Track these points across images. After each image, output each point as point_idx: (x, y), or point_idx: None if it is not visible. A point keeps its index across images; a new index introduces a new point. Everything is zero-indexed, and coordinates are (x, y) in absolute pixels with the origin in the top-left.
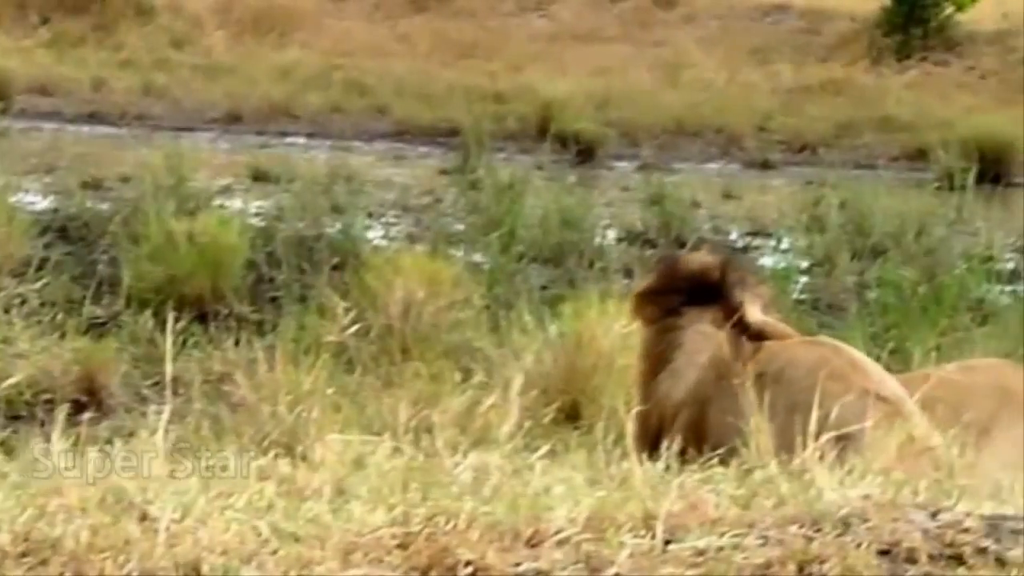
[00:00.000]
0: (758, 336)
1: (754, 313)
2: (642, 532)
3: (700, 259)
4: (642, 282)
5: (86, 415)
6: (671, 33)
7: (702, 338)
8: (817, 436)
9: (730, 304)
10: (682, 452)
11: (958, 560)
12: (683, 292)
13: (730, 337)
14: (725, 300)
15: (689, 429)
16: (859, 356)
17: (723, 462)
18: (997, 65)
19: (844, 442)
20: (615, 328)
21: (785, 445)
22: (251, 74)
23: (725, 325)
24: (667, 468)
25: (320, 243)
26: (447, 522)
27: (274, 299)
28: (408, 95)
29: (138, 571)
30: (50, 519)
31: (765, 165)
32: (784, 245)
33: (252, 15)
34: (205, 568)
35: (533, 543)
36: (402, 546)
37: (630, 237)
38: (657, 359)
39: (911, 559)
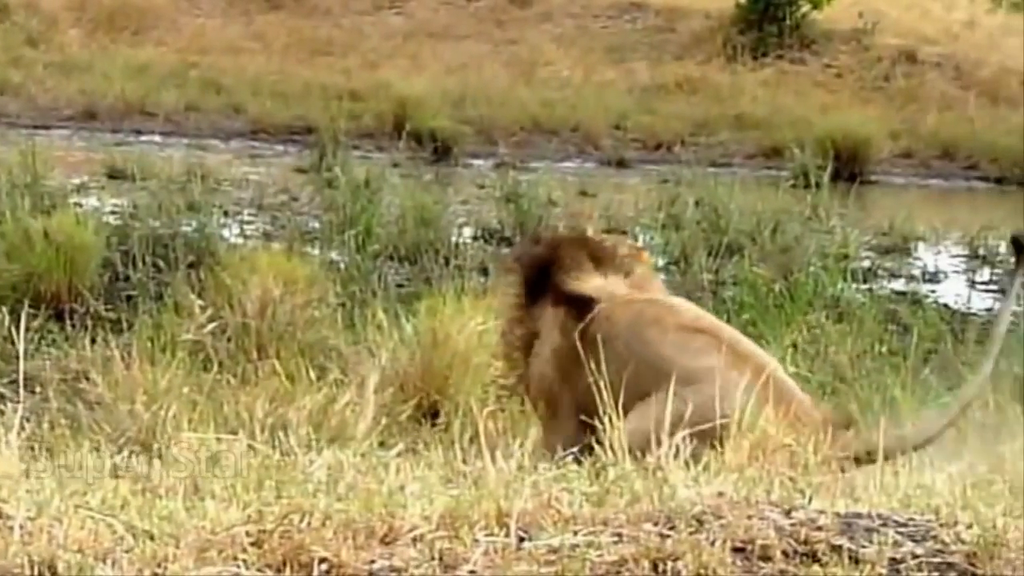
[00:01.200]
0: (586, 304)
1: (572, 286)
2: (496, 530)
3: (540, 250)
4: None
5: None
6: (527, 31)
7: (546, 328)
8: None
9: (557, 286)
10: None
11: (812, 558)
12: (540, 273)
13: (562, 317)
14: (554, 284)
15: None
16: (675, 301)
17: (577, 460)
18: (853, 63)
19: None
20: (471, 326)
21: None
22: (106, 72)
23: (557, 308)
24: (520, 467)
25: (176, 241)
26: (301, 520)
27: (130, 297)
28: (264, 93)
29: None
30: None
31: (621, 163)
32: (640, 243)
33: (106, 13)
34: (60, 566)
35: (387, 541)
36: (257, 544)
37: (486, 235)
38: (522, 347)
39: (765, 557)
